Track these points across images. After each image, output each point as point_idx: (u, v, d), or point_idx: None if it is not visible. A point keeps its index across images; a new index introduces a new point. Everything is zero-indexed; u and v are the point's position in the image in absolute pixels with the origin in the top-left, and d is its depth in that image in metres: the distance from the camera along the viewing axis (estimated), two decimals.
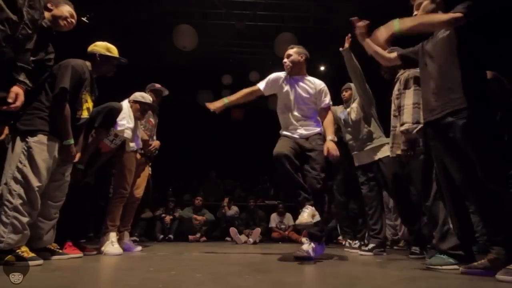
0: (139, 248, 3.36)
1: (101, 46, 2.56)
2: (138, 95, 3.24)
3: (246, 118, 8.78)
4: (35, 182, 2.04)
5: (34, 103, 2.19)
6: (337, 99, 4.22)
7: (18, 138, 2.08)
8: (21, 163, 2.03)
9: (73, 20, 2.24)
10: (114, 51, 2.60)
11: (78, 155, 2.48)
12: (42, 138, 2.11)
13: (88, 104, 2.42)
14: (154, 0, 5.81)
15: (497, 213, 1.70)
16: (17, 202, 1.98)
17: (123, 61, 2.63)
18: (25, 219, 1.99)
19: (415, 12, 2.05)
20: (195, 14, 6.25)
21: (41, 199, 2.15)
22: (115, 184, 3.15)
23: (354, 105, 3.41)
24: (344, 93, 3.60)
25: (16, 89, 1.85)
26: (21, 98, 1.88)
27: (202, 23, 6.27)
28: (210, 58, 7.47)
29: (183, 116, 8.23)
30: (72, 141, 2.24)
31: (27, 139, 2.07)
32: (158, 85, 3.72)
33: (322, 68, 7.87)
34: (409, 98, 2.42)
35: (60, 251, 2.38)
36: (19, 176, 2.01)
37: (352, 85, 3.51)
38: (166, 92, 3.78)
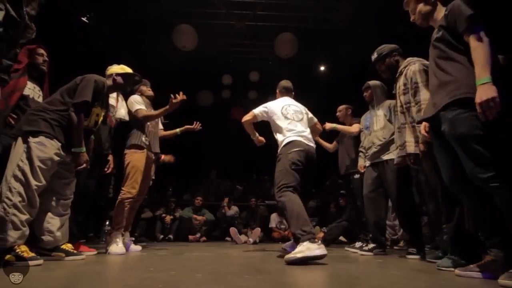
0: (139, 248, 3.37)
1: (116, 68, 2.79)
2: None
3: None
4: (33, 182, 2.08)
5: (40, 105, 2.27)
6: (337, 99, 4.24)
7: (20, 138, 2.15)
8: (22, 161, 2.08)
9: None
10: (128, 69, 2.79)
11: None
12: (43, 139, 2.16)
13: (98, 117, 2.53)
14: (154, 0, 5.81)
15: (490, 213, 1.67)
16: (17, 199, 2.02)
17: (138, 78, 2.81)
18: (24, 217, 2.03)
19: (412, 17, 2.04)
20: (195, 14, 6.25)
21: (50, 197, 2.26)
22: (124, 184, 3.14)
23: (380, 113, 3.22)
24: (364, 93, 3.46)
25: None
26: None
27: (202, 23, 6.27)
28: (210, 58, 7.47)
29: (183, 116, 8.23)
30: (83, 149, 2.32)
31: (28, 139, 2.13)
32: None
33: (322, 68, 7.88)
34: (424, 93, 2.30)
35: (75, 251, 2.40)
36: (19, 174, 2.06)
37: (371, 83, 3.38)
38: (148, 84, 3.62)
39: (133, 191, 3.09)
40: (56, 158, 2.22)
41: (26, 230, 2.05)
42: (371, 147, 3.23)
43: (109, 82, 2.65)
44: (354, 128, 3.76)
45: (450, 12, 1.75)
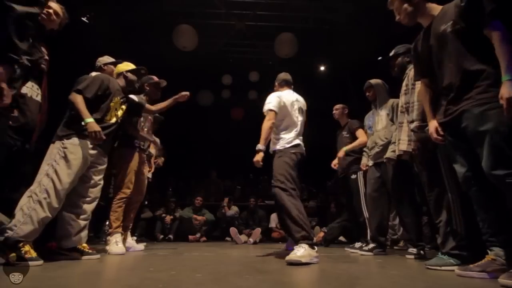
0: (142, 247, 3.40)
1: (122, 66, 2.86)
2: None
3: (246, 117, 8.79)
4: (65, 179, 2.19)
5: (73, 111, 2.39)
6: (337, 99, 4.24)
7: (56, 142, 2.30)
8: (55, 162, 2.21)
9: (49, 11, 2.20)
10: (131, 65, 2.89)
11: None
12: (77, 140, 2.30)
13: (118, 111, 2.62)
14: (154, 0, 5.81)
15: (499, 212, 1.68)
16: (42, 196, 2.10)
17: (143, 71, 2.91)
18: (43, 215, 2.08)
19: (398, 17, 2.04)
20: (195, 14, 6.26)
21: (75, 199, 2.36)
22: (118, 184, 3.15)
23: (383, 113, 3.21)
24: (367, 92, 3.42)
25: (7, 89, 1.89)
26: (9, 98, 1.89)
27: (202, 23, 6.27)
28: (210, 58, 7.47)
29: (183, 116, 8.22)
30: (88, 120, 2.30)
31: (63, 141, 2.28)
32: (155, 78, 3.56)
33: (322, 68, 7.88)
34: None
35: (90, 251, 2.45)
36: (51, 173, 2.17)
37: (373, 82, 3.36)
38: (164, 83, 3.61)
39: (128, 190, 3.12)
40: (89, 156, 2.35)
41: (39, 230, 2.09)
42: (374, 147, 3.23)
43: (121, 81, 2.74)
44: (363, 137, 3.66)
45: (468, 4, 1.71)
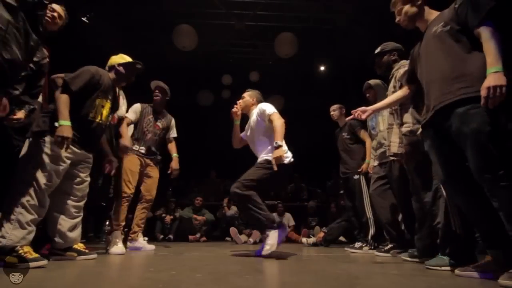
0: (153, 247, 3.45)
1: (116, 58, 2.71)
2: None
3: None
4: (42, 180, 2.08)
5: (50, 106, 2.30)
6: (337, 99, 4.24)
7: (29, 139, 2.18)
8: (31, 162, 2.10)
9: (54, 15, 2.21)
10: (127, 58, 2.73)
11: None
12: (51, 138, 2.16)
13: (103, 110, 2.46)
14: (154, 0, 5.81)
15: (487, 213, 1.65)
16: (24, 199, 2.02)
17: (139, 66, 2.74)
18: (30, 217, 2.02)
19: (398, 18, 2.05)
20: (195, 14, 6.25)
21: (62, 198, 2.29)
22: (118, 184, 3.18)
23: (385, 113, 3.08)
24: (367, 94, 3.36)
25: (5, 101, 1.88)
26: (7, 108, 1.91)
27: (202, 23, 6.27)
28: (210, 58, 7.47)
29: (184, 116, 8.21)
30: (63, 123, 2.14)
31: (38, 140, 2.15)
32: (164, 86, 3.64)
33: (322, 68, 7.87)
34: None
35: (87, 251, 2.42)
36: (28, 175, 2.07)
37: (372, 83, 3.31)
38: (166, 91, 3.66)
39: (128, 190, 3.14)
40: (67, 156, 2.22)
41: (32, 231, 2.03)
42: (379, 147, 3.20)
43: (111, 75, 2.61)
44: (369, 139, 3.64)
45: (462, 5, 1.73)
